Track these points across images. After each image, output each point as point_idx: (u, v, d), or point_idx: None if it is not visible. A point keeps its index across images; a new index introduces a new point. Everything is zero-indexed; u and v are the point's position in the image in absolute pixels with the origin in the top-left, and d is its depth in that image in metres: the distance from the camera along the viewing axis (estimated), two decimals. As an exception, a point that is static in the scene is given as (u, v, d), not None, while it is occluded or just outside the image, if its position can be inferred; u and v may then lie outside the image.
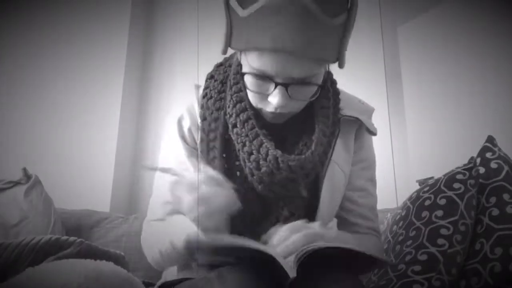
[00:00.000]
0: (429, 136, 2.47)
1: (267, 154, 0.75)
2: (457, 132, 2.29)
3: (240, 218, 0.77)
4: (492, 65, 2.19)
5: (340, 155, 0.88)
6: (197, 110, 0.88)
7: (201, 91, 0.90)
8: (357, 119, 0.88)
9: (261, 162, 0.75)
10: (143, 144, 2.19)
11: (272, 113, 0.77)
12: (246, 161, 0.78)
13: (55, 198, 1.53)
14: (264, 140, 0.76)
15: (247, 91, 0.79)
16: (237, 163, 0.81)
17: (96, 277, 0.58)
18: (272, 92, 0.73)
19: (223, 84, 0.86)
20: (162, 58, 2.31)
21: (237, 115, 0.79)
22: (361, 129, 0.92)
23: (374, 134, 0.92)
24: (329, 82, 0.88)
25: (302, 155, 0.77)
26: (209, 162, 0.81)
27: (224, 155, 0.81)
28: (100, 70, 2.08)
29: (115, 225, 1.58)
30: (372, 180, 0.96)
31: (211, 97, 0.85)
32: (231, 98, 0.81)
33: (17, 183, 1.44)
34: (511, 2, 2.15)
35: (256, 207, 0.81)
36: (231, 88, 0.83)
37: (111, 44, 2.12)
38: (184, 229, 0.72)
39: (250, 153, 0.76)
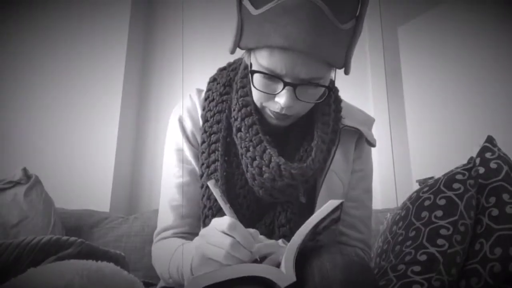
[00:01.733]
0: (429, 136, 2.47)
1: (270, 161, 0.75)
2: (457, 132, 2.29)
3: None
4: (492, 65, 2.20)
5: (339, 164, 0.88)
6: (199, 112, 0.89)
7: (203, 94, 0.90)
8: (358, 129, 0.89)
9: (263, 169, 0.76)
10: (143, 144, 2.19)
11: (276, 113, 0.77)
12: (249, 166, 0.78)
13: (55, 198, 1.53)
14: (268, 147, 0.77)
15: (253, 90, 0.78)
16: (238, 166, 0.82)
17: (98, 279, 0.58)
18: (280, 92, 0.73)
19: (225, 87, 0.87)
20: (162, 59, 2.31)
21: (242, 119, 0.80)
22: (361, 139, 0.92)
23: (373, 145, 0.92)
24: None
25: (303, 163, 0.77)
26: (210, 164, 0.81)
27: (226, 158, 0.82)
28: (100, 70, 2.09)
29: (115, 225, 1.59)
30: (368, 192, 0.96)
31: (213, 100, 0.86)
32: (237, 102, 0.82)
33: (17, 183, 1.44)
34: (511, 2, 2.15)
35: (254, 210, 0.82)
36: (237, 91, 0.84)
37: (111, 44, 2.12)
38: (187, 259, 0.72)
39: (254, 159, 0.77)
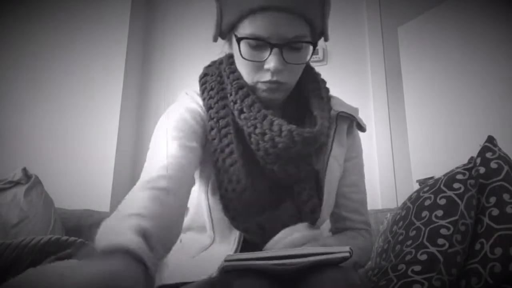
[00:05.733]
0: (429, 136, 2.48)
1: (281, 130, 0.74)
2: (457, 132, 2.29)
3: (257, 205, 0.78)
4: (492, 65, 2.20)
5: (336, 149, 0.92)
6: (200, 101, 0.86)
7: (198, 91, 0.89)
8: (352, 115, 0.92)
9: (276, 139, 0.75)
10: (143, 144, 2.19)
11: (268, 84, 0.77)
12: (261, 142, 0.76)
13: (55, 198, 1.53)
14: (274, 119, 0.76)
15: (243, 67, 0.79)
16: (245, 150, 0.80)
17: (102, 280, 0.58)
18: (268, 57, 0.74)
19: (220, 77, 0.86)
20: (162, 58, 2.31)
21: (242, 101, 0.79)
22: (352, 125, 0.97)
23: (364, 130, 0.96)
24: (314, 71, 0.92)
25: (313, 128, 0.78)
26: (224, 148, 0.78)
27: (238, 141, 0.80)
28: (100, 70, 2.09)
29: (115, 225, 1.58)
30: (363, 175, 1.00)
31: (212, 88, 0.84)
32: (232, 86, 0.81)
33: (17, 183, 1.44)
34: (510, 2, 2.15)
35: (271, 196, 0.80)
36: (228, 77, 0.83)
37: (111, 44, 2.12)
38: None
39: (264, 133, 0.76)
